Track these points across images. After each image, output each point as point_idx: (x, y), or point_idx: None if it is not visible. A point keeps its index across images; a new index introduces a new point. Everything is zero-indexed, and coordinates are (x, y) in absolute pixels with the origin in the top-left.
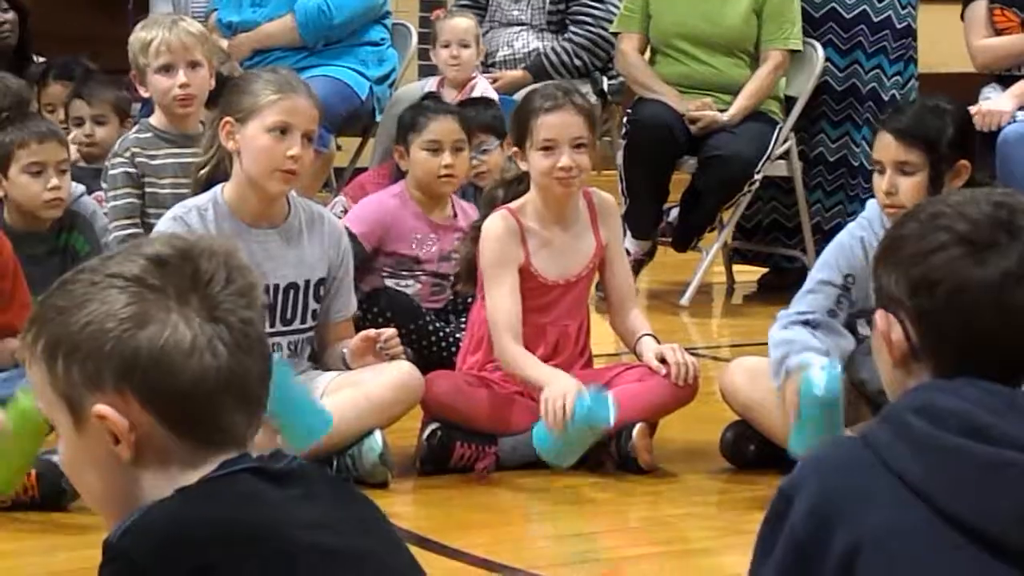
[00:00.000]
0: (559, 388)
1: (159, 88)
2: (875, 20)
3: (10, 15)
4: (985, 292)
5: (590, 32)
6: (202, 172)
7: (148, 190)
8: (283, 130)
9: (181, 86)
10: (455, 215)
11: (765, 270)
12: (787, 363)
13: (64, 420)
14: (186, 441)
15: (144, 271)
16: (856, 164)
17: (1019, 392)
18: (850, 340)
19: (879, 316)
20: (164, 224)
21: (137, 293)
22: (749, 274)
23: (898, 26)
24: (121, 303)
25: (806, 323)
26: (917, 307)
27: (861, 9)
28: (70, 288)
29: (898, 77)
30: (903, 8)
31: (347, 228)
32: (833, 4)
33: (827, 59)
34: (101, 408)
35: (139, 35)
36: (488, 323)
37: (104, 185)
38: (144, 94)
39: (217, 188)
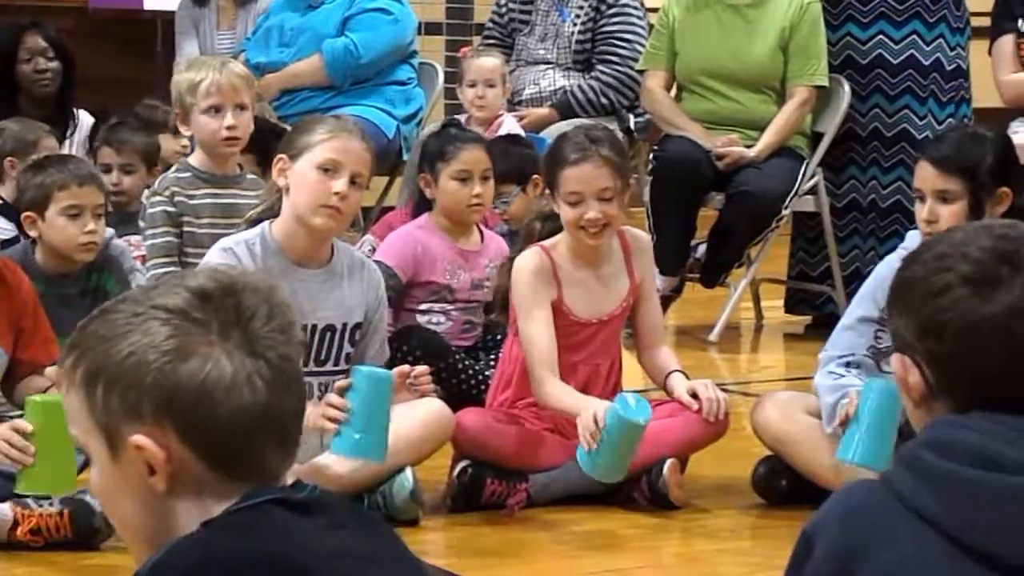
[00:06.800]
0: (591, 409)
1: (206, 129)
2: (925, 63)
3: (54, 64)
4: (994, 329)
5: (617, 71)
6: (252, 213)
7: (186, 229)
8: (332, 168)
9: (228, 127)
10: (482, 240)
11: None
12: (842, 404)
13: (99, 448)
14: (221, 474)
15: (187, 304)
16: (913, 209)
17: None
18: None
19: (895, 360)
20: (213, 255)
21: (179, 326)
22: (777, 310)
23: (948, 68)
24: (163, 335)
25: (848, 365)
26: (928, 350)
27: (908, 54)
28: (112, 317)
29: (951, 119)
30: (951, 49)
31: (380, 262)
32: (880, 51)
33: (876, 105)
34: (139, 439)
35: (187, 75)
36: (524, 358)
37: (142, 223)
38: (186, 134)
39: (265, 224)
